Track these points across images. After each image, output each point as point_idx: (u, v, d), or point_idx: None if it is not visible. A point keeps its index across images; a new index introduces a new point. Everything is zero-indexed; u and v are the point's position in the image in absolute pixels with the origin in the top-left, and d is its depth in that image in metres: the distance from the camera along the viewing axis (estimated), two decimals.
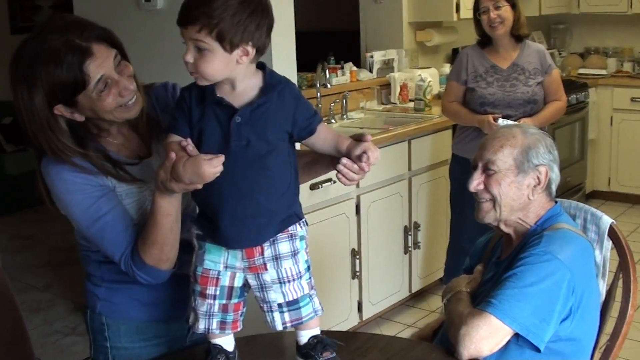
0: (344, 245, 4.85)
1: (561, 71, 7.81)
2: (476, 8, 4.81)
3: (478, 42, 4.92)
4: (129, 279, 2.34)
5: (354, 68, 6.22)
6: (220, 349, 2.17)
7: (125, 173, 2.27)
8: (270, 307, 2.13)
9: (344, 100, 5.78)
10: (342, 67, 6.16)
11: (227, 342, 2.19)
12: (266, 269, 2.10)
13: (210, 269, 2.10)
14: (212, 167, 1.89)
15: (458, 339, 2.36)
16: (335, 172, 2.18)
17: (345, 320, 4.91)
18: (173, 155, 1.94)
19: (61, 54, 2.08)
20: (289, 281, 2.11)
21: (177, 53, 4.52)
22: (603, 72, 8.00)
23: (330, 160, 2.23)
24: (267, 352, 2.47)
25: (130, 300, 2.43)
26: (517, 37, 4.82)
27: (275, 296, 2.12)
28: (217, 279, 2.10)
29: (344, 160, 2.14)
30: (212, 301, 2.11)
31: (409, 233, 5.40)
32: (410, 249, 5.43)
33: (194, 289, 2.13)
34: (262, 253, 2.09)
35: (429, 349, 2.56)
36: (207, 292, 2.10)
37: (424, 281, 5.66)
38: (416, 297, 5.70)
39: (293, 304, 2.13)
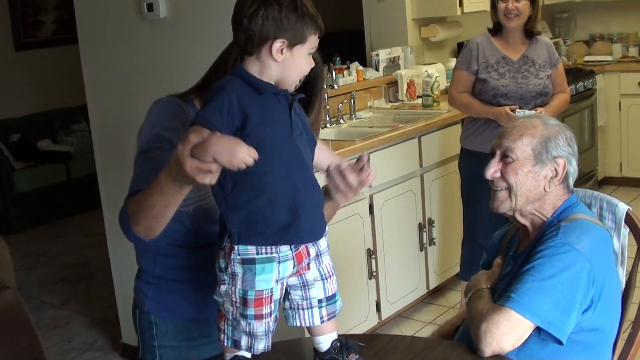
0: (359, 246, 4.83)
1: (567, 59, 7.82)
2: None
3: (489, 29, 4.88)
4: (180, 277, 2.40)
5: (360, 67, 6.19)
6: (243, 358, 2.15)
7: None
8: (310, 303, 2.14)
9: (352, 100, 5.76)
10: (348, 67, 6.15)
11: (243, 352, 2.16)
12: (309, 268, 2.11)
13: (263, 289, 2.04)
14: (248, 153, 1.82)
15: (479, 336, 2.34)
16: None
17: (364, 321, 4.89)
18: (206, 132, 1.85)
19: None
20: (329, 276, 2.15)
21: (179, 62, 4.53)
22: (609, 58, 7.96)
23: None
24: (288, 358, 2.43)
25: (180, 299, 2.44)
26: (529, 32, 4.80)
27: (316, 293, 2.14)
28: (271, 296, 2.05)
29: (344, 166, 2.25)
30: (269, 319, 2.07)
31: (424, 230, 5.37)
32: (425, 245, 5.40)
33: (244, 314, 2.06)
34: (308, 254, 2.09)
35: (451, 348, 2.53)
36: (264, 312, 2.06)
37: (441, 277, 5.64)
38: (434, 294, 5.69)
39: (331, 299, 2.16)
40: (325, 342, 2.20)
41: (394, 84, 6.35)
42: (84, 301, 6.27)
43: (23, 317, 2.75)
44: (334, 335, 2.20)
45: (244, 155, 1.82)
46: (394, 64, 6.44)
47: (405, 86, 6.28)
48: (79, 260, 7.33)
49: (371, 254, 4.91)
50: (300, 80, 2.10)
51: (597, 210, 2.78)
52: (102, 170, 4.98)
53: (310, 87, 2.32)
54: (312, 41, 2.04)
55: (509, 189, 2.59)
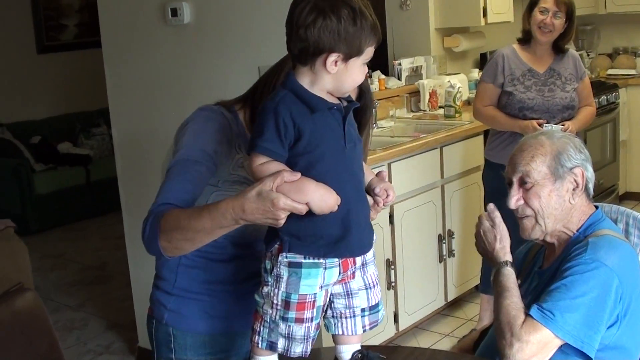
0: (378, 256, 4.75)
1: (590, 72, 7.75)
2: (535, 3, 4.72)
3: (518, 39, 4.86)
4: (203, 290, 2.38)
5: (382, 76, 6.18)
6: None
7: None
8: (353, 312, 2.13)
9: (374, 109, 5.72)
10: (371, 76, 6.11)
11: (272, 357, 2.14)
12: (353, 277, 2.09)
13: (307, 294, 2.01)
14: (336, 202, 1.89)
15: (506, 352, 2.31)
16: None
17: (382, 332, 4.85)
18: (298, 174, 1.88)
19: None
20: (373, 286, 2.13)
21: (203, 67, 4.51)
22: (632, 71, 7.91)
23: None
24: None
25: (200, 312, 2.41)
26: (558, 48, 4.77)
27: (360, 302, 2.12)
28: (314, 301, 2.03)
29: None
30: (309, 324, 2.04)
31: (444, 241, 5.34)
32: (445, 257, 5.37)
33: (284, 317, 2.03)
34: (354, 263, 2.06)
35: None
36: (305, 316, 2.03)
37: (460, 289, 5.61)
38: (452, 306, 5.65)
39: (374, 308, 2.15)
40: (347, 352, 2.18)
41: (416, 93, 6.32)
42: (100, 304, 6.27)
43: (42, 319, 2.75)
44: (357, 346, 2.19)
45: (334, 203, 1.88)
46: (416, 73, 6.42)
47: (428, 96, 6.25)
48: (96, 262, 7.34)
49: (390, 264, 4.89)
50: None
51: (623, 226, 2.76)
52: (123, 174, 4.97)
53: (358, 116, 2.29)
54: (368, 52, 1.98)
55: (535, 214, 2.56)
